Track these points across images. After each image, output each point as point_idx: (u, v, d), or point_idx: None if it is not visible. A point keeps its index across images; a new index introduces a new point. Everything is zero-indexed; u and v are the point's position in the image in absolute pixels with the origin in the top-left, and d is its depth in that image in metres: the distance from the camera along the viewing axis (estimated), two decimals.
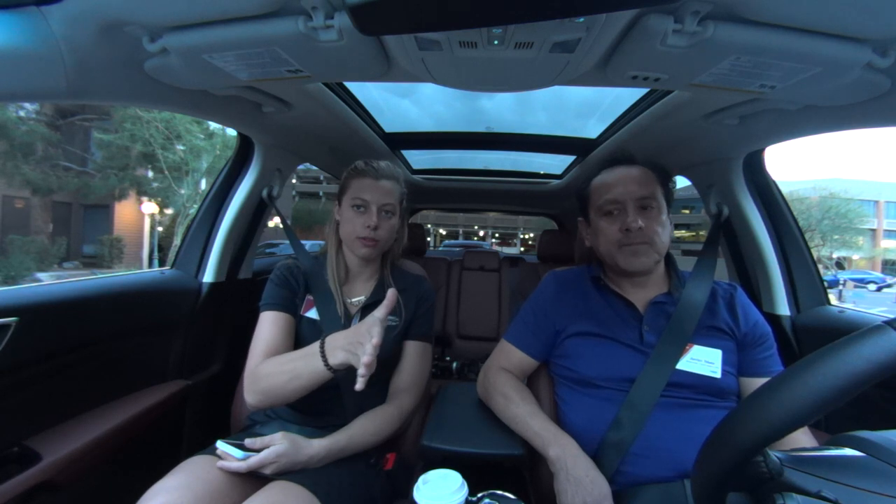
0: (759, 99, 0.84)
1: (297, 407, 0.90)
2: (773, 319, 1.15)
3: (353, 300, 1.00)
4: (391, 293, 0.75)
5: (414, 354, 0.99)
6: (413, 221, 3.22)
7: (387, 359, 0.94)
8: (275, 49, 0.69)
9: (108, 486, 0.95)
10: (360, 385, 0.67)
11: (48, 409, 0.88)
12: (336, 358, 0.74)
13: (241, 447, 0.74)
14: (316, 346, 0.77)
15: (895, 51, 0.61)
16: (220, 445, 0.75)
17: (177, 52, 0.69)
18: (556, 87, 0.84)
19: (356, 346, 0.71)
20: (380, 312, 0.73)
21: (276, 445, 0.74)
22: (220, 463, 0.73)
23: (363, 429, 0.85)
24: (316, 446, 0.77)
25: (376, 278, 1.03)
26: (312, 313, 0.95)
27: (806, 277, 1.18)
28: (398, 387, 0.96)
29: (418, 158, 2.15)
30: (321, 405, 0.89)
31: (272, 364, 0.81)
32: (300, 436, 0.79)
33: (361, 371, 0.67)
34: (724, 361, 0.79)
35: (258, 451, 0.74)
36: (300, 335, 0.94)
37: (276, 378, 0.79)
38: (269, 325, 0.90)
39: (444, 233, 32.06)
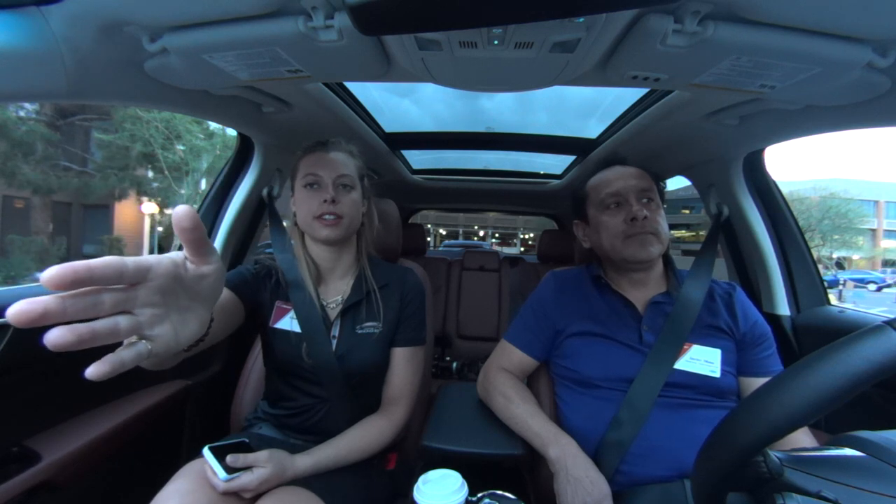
0: (759, 99, 0.84)
1: (287, 423, 0.87)
2: (773, 319, 1.15)
3: (330, 302, 0.88)
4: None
5: (403, 362, 0.89)
6: (413, 221, 3.22)
7: (371, 371, 0.87)
8: (275, 49, 0.69)
9: (108, 486, 0.95)
10: None
11: (48, 409, 0.88)
12: None
13: (226, 467, 0.67)
14: None
15: (895, 51, 0.61)
16: (207, 455, 0.68)
17: (177, 52, 0.69)
18: (556, 87, 0.84)
19: None
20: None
21: (260, 470, 0.68)
22: (207, 473, 0.67)
23: (351, 444, 0.80)
24: (301, 467, 0.73)
25: (353, 273, 0.91)
26: (284, 323, 0.85)
27: (806, 277, 1.18)
28: (389, 397, 0.89)
29: (418, 158, 2.15)
30: (313, 421, 0.85)
31: None
32: (286, 454, 0.73)
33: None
34: (724, 361, 0.79)
35: (241, 469, 0.68)
36: (274, 352, 0.85)
37: None
38: None
39: (444, 233, 32.04)
